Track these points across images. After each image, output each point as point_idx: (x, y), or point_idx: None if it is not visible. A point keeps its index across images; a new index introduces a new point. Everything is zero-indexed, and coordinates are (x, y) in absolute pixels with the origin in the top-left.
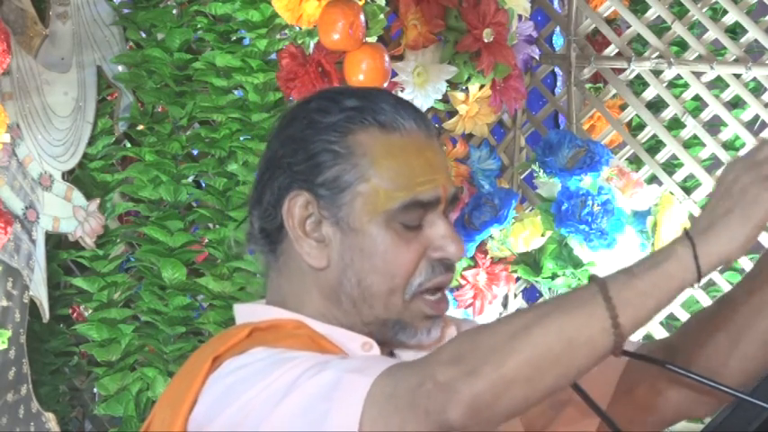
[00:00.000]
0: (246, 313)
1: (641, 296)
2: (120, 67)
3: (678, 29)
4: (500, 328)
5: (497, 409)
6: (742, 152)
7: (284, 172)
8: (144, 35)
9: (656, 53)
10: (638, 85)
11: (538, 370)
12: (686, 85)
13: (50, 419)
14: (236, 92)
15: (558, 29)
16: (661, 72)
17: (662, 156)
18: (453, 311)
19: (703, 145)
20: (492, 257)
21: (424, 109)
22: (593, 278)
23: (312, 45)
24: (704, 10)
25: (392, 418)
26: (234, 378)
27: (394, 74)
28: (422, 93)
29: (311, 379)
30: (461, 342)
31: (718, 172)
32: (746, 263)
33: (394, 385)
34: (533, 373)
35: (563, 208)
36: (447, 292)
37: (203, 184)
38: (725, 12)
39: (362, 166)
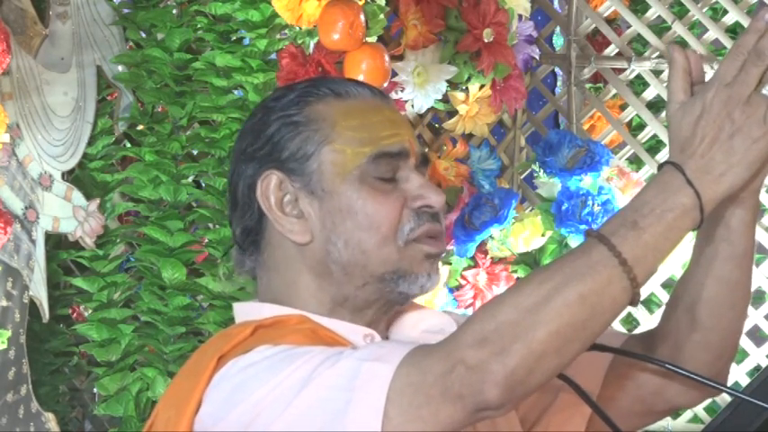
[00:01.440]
0: (246, 312)
1: (652, 251)
2: (120, 67)
3: (678, 29)
4: (519, 301)
5: (532, 382)
6: None
7: (250, 161)
8: (144, 35)
9: (656, 53)
10: (638, 85)
11: (566, 339)
12: None
13: (50, 419)
14: (236, 92)
15: (558, 29)
16: (661, 72)
17: (662, 156)
18: (453, 311)
19: None
20: (492, 257)
21: (424, 109)
22: (597, 236)
23: (312, 45)
24: (704, 10)
25: (424, 407)
26: (242, 377)
27: (394, 74)
28: (422, 93)
29: (328, 370)
30: (482, 321)
31: None
32: None
33: (421, 373)
34: (562, 344)
35: (563, 208)
36: (439, 240)
37: (203, 184)
38: (725, 12)
39: (324, 130)
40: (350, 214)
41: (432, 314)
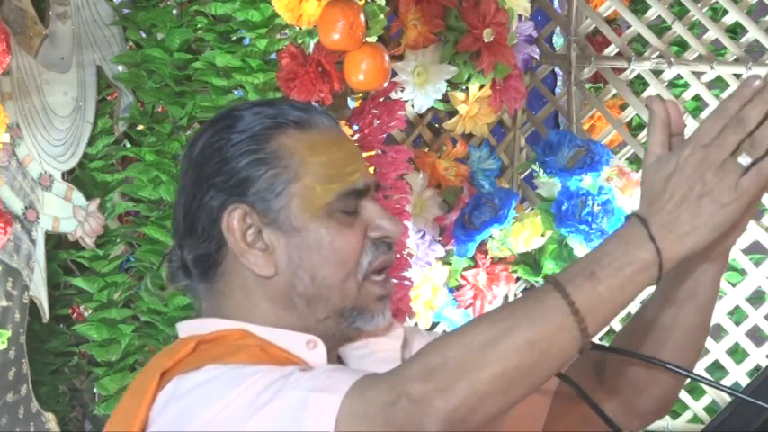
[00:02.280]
0: (190, 328)
1: (606, 302)
2: (120, 67)
3: (678, 29)
4: (468, 339)
5: (474, 420)
6: None
7: (215, 192)
8: (144, 35)
9: (656, 53)
10: (638, 85)
11: (512, 382)
12: (686, 85)
13: (50, 419)
14: (236, 92)
15: (558, 29)
16: (661, 72)
17: None
18: (454, 311)
19: None
20: (492, 257)
21: (424, 109)
22: (554, 282)
23: (312, 45)
24: (704, 10)
25: None
26: (190, 398)
27: (394, 74)
28: (422, 93)
29: (275, 400)
30: (430, 355)
31: None
32: (746, 263)
33: (365, 404)
34: (507, 386)
35: (563, 208)
36: (389, 274)
37: None
38: (725, 12)
39: (292, 167)
40: (318, 249)
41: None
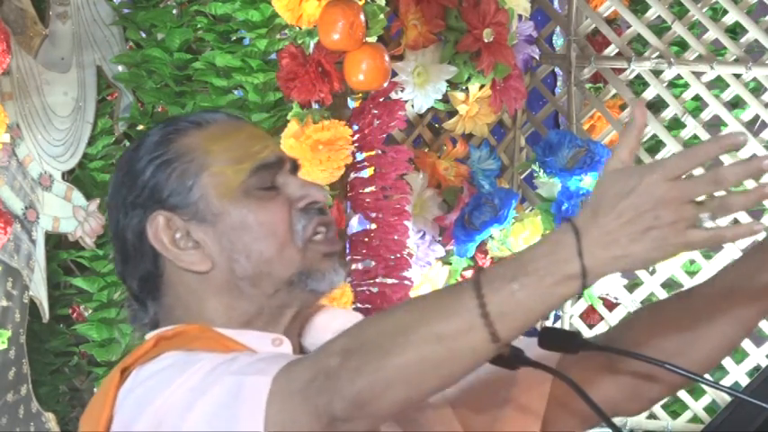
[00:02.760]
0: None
1: (523, 310)
2: (120, 67)
3: (678, 29)
4: (385, 324)
5: (379, 406)
6: (742, 153)
7: (133, 210)
8: (144, 35)
9: (656, 53)
10: (638, 85)
11: (417, 373)
12: (686, 85)
13: (50, 419)
14: (236, 92)
15: (558, 29)
16: (661, 72)
17: (662, 156)
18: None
19: None
20: (492, 257)
21: (424, 109)
22: (476, 281)
23: (312, 45)
24: (704, 10)
25: (291, 414)
26: (143, 388)
27: (394, 74)
28: (422, 93)
29: (215, 385)
30: (352, 335)
31: None
32: None
33: (290, 381)
34: (413, 377)
35: (563, 208)
36: (331, 232)
37: None
38: (725, 12)
39: (198, 159)
40: (244, 229)
41: (344, 313)
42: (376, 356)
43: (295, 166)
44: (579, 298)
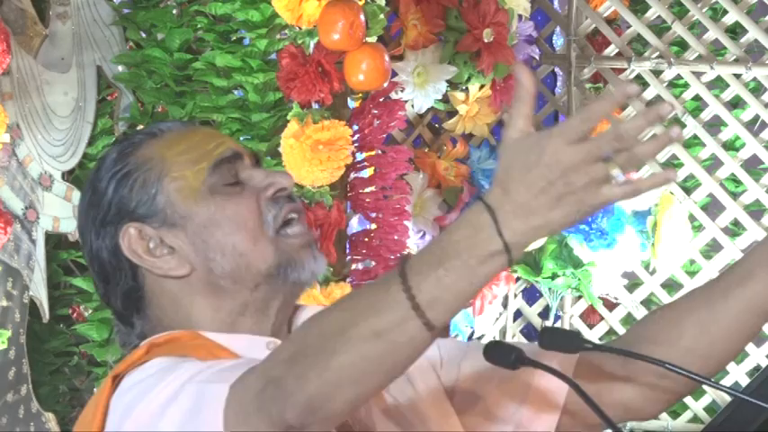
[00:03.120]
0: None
1: (452, 294)
2: (120, 67)
3: (678, 29)
4: (323, 326)
5: (331, 408)
6: (742, 153)
7: (103, 229)
8: (144, 35)
9: (656, 53)
10: (638, 85)
11: (362, 371)
12: (686, 85)
13: (50, 419)
14: (236, 92)
15: (558, 29)
16: (661, 72)
17: (662, 156)
18: None
19: (703, 145)
20: None
21: (424, 109)
22: (401, 272)
23: (312, 45)
24: (704, 10)
25: (248, 422)
26: (130, 394)
27: (394, 74)
28: (422, 93)
29: (182, 393)
30: (295, 340)
31: (718, 172)
32: None
33: (244, 389)
34: (359, 375)
35: None
36: (302, 221)
37: None
38: (725, 12)
39: (156, 166)
40: (214, 225)
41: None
42: (319, 360)
43: (257, 160)
44: (579, 298)
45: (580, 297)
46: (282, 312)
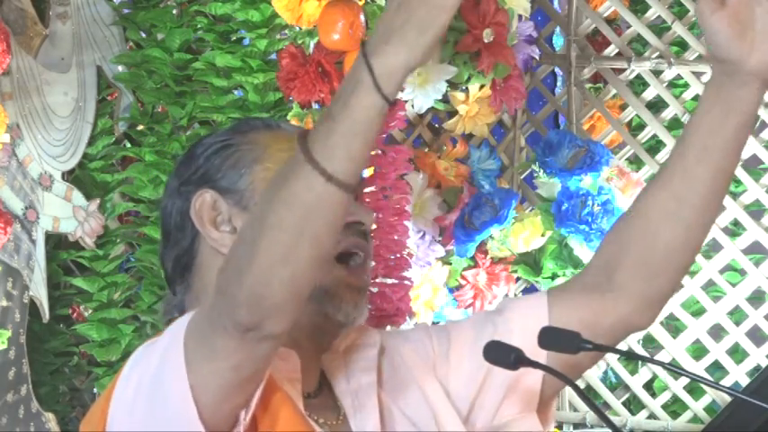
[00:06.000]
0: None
1: (346, 138)
2: (120, 67)
3: (678, 29)
4: (246, 224)
5: (272, 293)
6: (742, 152)
7: (185, 187)
8: (144, 35)
9: (656, 53)
10: (638, 85)
11: (286, 245)
12: (686, 85)
13: (50, 419)
14: (236, 92)
15: (558, 29)
16: (661, 72)
17: (662, 156)
18: (454, 311)
19: None
20: (492, 257)
21: (424, 109)
22: (301, 138)
23: (312, 45)
24: None
25: (204, 344)
26: (127, 369)
27: None
28: (422, 93)
29: (154, 354)
30: (227, 254)
31: None
32: (746, 263)
33: (198, 314)
34: (285, 250)
35: (563, 208)
36: (366, 264)
37: None
38: None
39: (256, 150)
40: None
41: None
42: (247, 253)
43: (356, 196)
44: None
45: None
46: (310, 342)
